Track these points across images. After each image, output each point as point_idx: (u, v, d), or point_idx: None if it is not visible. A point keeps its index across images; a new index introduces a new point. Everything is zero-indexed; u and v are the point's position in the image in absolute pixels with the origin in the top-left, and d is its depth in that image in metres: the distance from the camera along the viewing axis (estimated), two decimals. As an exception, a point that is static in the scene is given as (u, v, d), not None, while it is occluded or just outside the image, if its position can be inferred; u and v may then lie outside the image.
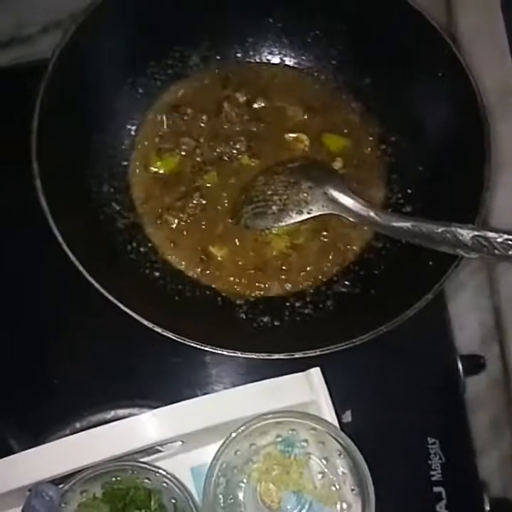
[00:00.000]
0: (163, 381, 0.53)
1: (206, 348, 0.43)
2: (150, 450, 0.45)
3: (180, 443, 0.45)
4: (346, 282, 0.53)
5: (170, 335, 0.43)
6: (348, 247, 0.54)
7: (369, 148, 0.57)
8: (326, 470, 0.44)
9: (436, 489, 0.52)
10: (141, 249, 0.53)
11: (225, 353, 0.43)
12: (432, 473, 0.52)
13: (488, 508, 0.52)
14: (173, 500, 0.43)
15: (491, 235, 0.41)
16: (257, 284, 0.53)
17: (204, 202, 0.55)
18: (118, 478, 0.43)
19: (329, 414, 0.44)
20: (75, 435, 0.43)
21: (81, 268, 0.44)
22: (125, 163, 0.56)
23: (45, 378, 0.53)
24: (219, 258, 0.53)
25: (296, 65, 0.60)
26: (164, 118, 0.57)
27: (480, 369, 0.56)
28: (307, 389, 0.44)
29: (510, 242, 0.41)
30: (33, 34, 0.67)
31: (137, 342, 0.52)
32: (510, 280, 0.59)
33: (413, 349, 0.54)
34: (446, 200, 0.50)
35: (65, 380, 0.53)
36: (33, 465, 0.41)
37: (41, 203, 0.45)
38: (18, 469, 0.41)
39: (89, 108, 0.53)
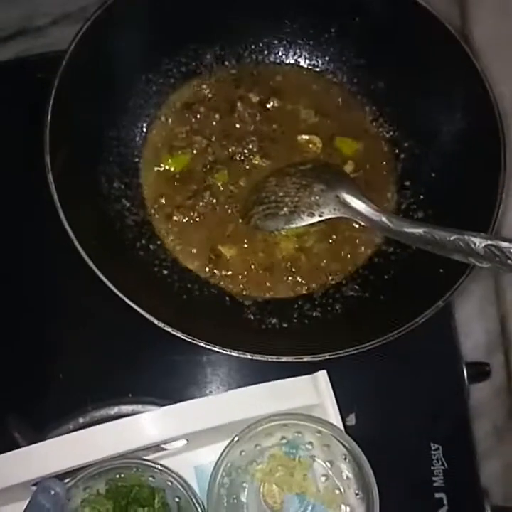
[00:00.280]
0: (168, 379, 0.53)
1: (215, 349, 0.43)
2: (154, 448, 0.45)
3: (184, 442, 0.45)
4: (355, 286, 0.53)
5: (179, 334, 0.43)
6: (358, 250, 0.54)
7: (382, 153, 0.57)
8: (330, 473, 0.44)
9: (437, 495, 0.52)
10: (151, 246, 0.53)
11: (234, 354, 0.43)
12: (434, 479, 0.52)
13: (488, 516, 0.52)
14: (177, 499, 0.43)
15: (504, 244, 0.41)
16: (265, 284, 0.53)
17: (214, 201, 0.55)
18: (122, 476, 0.43)
19: (335, 417, 0.44)
20: (80, 431, 0.42)
21: (91, 263, 0.44)
22: (136, 160, 0.56)
23: (50, 373, 0.53)
24: (228, 258, 0.53)
25: (310, 67, 0.60)
26: (177, 116, 0.57)
27: (485, 377, 0.56)
28: (313, 392, 0.44)
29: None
30: (42, 26, 0.67)
31: (143, 339, 0.52)
32: (516, 288, 0.59)
33: (419, 354, 0.54)
34: (458, 208, 0.50)
35: (69, 375, 0.53)
36: (38, 460, 0.41)
37: (53, 196, 0.45)
38: (22, 464, 0.41)
39: (103, 103, 0.53)
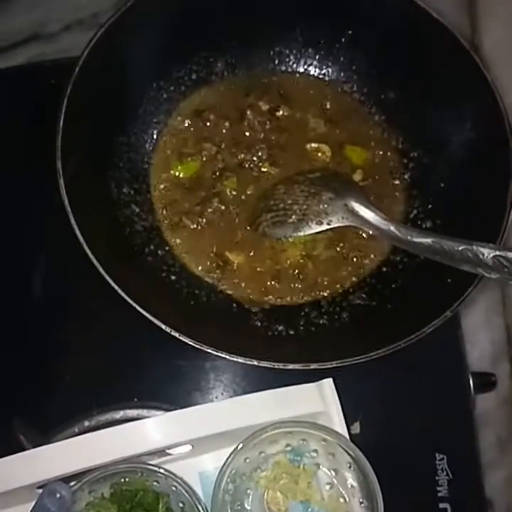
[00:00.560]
0: (174, 384, 0.54)
1: (222, 355, 0.43)
2: (159, 453, 0.45)
3: (189, 447, 0.45)
4: (363, 295, 0.52)
5: (186, 339, 0.43)
6: (365, 259, 0.54)
7: (391, 162, 0.57)
8: (334, 481, 0.44)
9: (442, 505, 0.51)
10: (159, 252, 0.53)
11: (240, 360, 0.43)
12: (439, 489, 0.52)
13: (492, 527, 0.52)
14: (181, 504, 0.43)
15: (512, 255, 0.41)
16: (272, 291, 0.53)
17: (223, 208, 0.55)
18: (127, 480, 0.43)
19: (340, 425, 0.44)
20: (85, 435, 0.43)
21: (100, 268, 0.44)
22: (146, 166, 0.56)
23: (56, 376, 0.53)
24: (235, 264, 0.53)
25: (320, 75, 0.60)
26: (187, 123, 0.58)
27: (491, 387, 0.56)
28: (318, 399, 0.44)
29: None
30: (54, 32, 0.68)
31: (149, 343, 0.52)
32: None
33: (424, 363, 0.54)
34: (467, 218, 0.50)
35: (75, 379, 0.53)
36: (43, 463, 0.41)
37: (64, 201, 0.45)
38: (27, 466, 0.41)
39: (114, 109, 0.53)
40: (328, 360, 0.43)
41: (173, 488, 0.43)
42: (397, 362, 0.50)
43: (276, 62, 0.60)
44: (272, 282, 0.53)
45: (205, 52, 0.58)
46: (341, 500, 0.43)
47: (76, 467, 0.41)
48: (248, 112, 0.58)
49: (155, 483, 0.44)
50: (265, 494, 0.45)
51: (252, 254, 0.54)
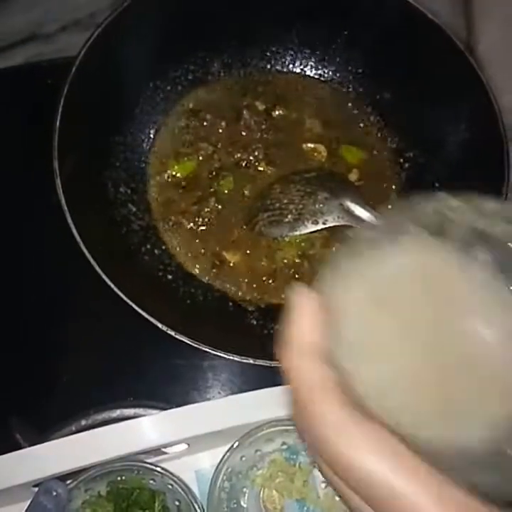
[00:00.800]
0: (170, 383, 0.54)
1: (218, 353, 0.43)
2: (155, 451, 0.45)
3: (185, 446, 0.45)
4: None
5: (182, 338, 0.43)
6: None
7: (386, 162, 0.58)
8: (330, 480, 0.44)
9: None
10: (155, 251, 0.53)
11: (236, 358, 0.43)
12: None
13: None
14: (177, 502, 0.43)
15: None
16: (268, 290, 0.53)
17: (219, 207, 0.55)
18: (123, 478, 0.43)
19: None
20: (82, 433, 0.43)
21: (97, 267, 0.44)
22: (143, 165, 0.56)
23: (53, 375, 0.53)
24: (232, 263, 0.53)
25: (316, 76, 0.61)
26: (183, 123, 0.58)
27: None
28: (315, 398, 0.44)
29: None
30: (52, 32, 0.68)
31: (146, 342, 0.52)
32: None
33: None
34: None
35: (72, 378, 0.53)
36: (39, 461, 0.41)
37: (61, 201, 0.45)
38: (23, 465, 0.41)
39: (111, 109, 0.54)
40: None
41: (170, 487, 0.43)
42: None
43: (273, 62, 0.60)
44: (268, 281, 0.53)
45: (202, 53, 0.58)
46: (337, 498, 0.43)
47: (72, 465, 0.41)
48: (244, 112, 0.58)
49: (151, 482, 0.44)
50: (261, 492, 0.45)
51: (248, 253, 0.54)
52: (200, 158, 0.57)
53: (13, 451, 0.41)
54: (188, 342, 0.43)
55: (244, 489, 0.45)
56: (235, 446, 0.43)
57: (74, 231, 0.45)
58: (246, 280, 0.53)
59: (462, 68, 0.52)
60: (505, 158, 0.48)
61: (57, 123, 0.47)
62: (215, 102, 0.59)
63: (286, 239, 0.54)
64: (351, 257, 0.24)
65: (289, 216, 0.53)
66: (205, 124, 0.58)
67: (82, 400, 0.52)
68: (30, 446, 0.42)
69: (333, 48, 0.59)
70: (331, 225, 0.53)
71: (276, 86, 0.60)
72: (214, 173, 0.56)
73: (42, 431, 0.50)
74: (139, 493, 0.43)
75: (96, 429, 0.42)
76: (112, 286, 0.44)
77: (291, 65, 0.61)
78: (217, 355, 0.43)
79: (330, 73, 0.60)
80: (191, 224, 0.54)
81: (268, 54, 0.60)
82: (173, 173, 0.56)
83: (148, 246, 0.53)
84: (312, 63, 0.60)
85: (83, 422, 0.51)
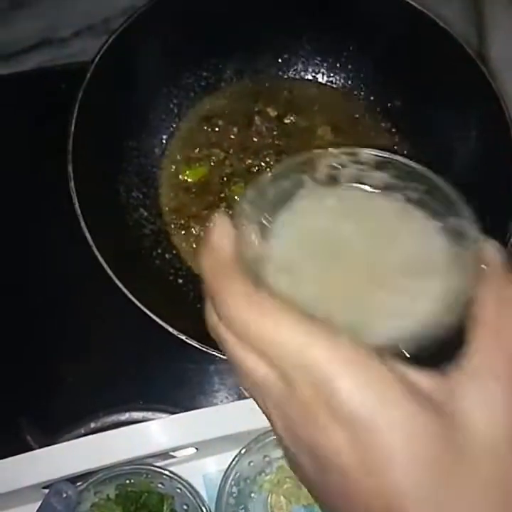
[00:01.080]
0: (179, 386, 0.54)
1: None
2: (163, 455, 0.45)
3: (194, 450, 0.46)
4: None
5: (193, 343, 0.43)
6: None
7: (397, 170, 0.58)
8: (338, 486, 0.44)
9: None
10: (166, 255, 0.54)
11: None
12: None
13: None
14: (185, 507, 0.43)
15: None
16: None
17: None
18: (132, 481, 0.44)
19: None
20: (91, 436, 0.43)
21: (109, 271, 0.44)
22: (155, 170, 0.57)
23: (63, 378, 0.53)
24: (242, 269, 0.54)
25: (328, 83, 0.61)
26: (196, 129, 0.58)
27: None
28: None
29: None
30: (65, 37, 0.68)
31: (155, 346, 0.52)
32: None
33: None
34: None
35: (82, 381, 0.53)
36: (49, 463, 0.41)
37: (74, 205, 0.46)
38: (33, 466, 0.41)
39: (124, 115, 0.54)
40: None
41: (178, 491, 0.43)
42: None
43: (285, 69, 0.61)
44: (278, 287, 0.53)
45: (214, 59, 0.59)
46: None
47: (82, 468, 0.41)
48: (256, 118, 0.58)
49: (160, 485, 0.44)
50: (269, 498, 0.45)
51: (258, 258, 0.54)
52: (212, 163, 0.57)
53: (23, 452, 0.41)
54: (199, 346, 0.43)
55: (252, 495, 0.45)
56: (243, 451, 0.43)
57: (87, 235, 0.45)
58: (255, 285, 0.53)
59: (473, 76, 0.52)
60: (515, 167, 0.48)
61: (72, 127, 0.47)
62: (227, 108, 0.59)
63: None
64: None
65: (299, 222, 0.53)
66: (217, 130, 0.58)
67: (92, 402, 0.52)
68: (40, 447, 0.42)
69: (345, 56, 0.59)
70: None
71: (288, 93, 0.60)
72: (225, 179, 0.56)
73: (51, 433, 0.50)
74: (147, 496, 0.43)
75: (106, 432, 0.42)
76: (124, 290, 0.44)
77: (302, 72, 0.61)
78: (226, 360, 0.43)
79: (341, 80, 0.60)
80: (202, 229, 0.55)
81: (280, 61, 0.60)
82: (185, 178, 0.57)
83: (160, 250, 0.54)
84: (324, 70, 0.60)
85: (92, 425, 0.51)
